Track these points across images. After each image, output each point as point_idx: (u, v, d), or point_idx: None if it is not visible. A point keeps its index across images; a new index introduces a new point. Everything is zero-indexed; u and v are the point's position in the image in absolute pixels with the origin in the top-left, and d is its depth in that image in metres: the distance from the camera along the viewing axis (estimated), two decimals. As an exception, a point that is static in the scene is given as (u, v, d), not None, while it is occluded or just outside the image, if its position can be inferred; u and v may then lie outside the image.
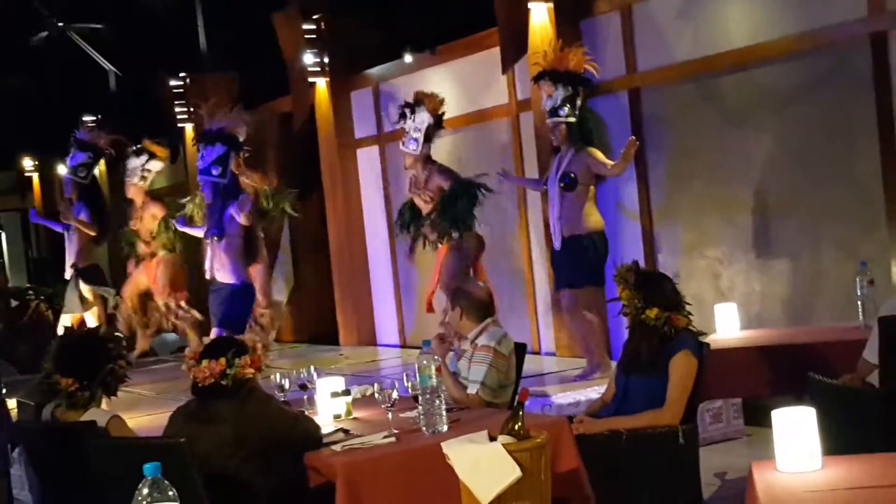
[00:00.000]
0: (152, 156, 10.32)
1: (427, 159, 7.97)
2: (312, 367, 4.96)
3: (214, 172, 8.48)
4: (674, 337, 4.60)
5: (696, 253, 7.74)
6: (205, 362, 3.97)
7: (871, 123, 6.61)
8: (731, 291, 7.43)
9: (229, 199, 8.47)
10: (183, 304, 10.32)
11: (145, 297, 10.54)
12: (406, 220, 8.16)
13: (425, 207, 7.96)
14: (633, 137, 7.10)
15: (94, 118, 13.96)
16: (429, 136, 7.95)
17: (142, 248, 10.42)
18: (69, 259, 10.38)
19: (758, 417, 6.37)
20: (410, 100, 8.09)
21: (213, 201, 8.59)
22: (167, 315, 10.39)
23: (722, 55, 7.39)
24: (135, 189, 10.37)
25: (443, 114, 8.06)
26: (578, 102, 7.31)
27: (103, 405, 4.48)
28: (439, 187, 7.82)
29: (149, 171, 10.34)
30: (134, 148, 10.46)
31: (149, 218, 10.32)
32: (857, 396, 4.46)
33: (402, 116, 8.03)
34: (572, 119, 7.28)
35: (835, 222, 6.90)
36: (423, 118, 7.86)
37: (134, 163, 10.34)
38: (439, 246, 7.94)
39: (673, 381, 4.54)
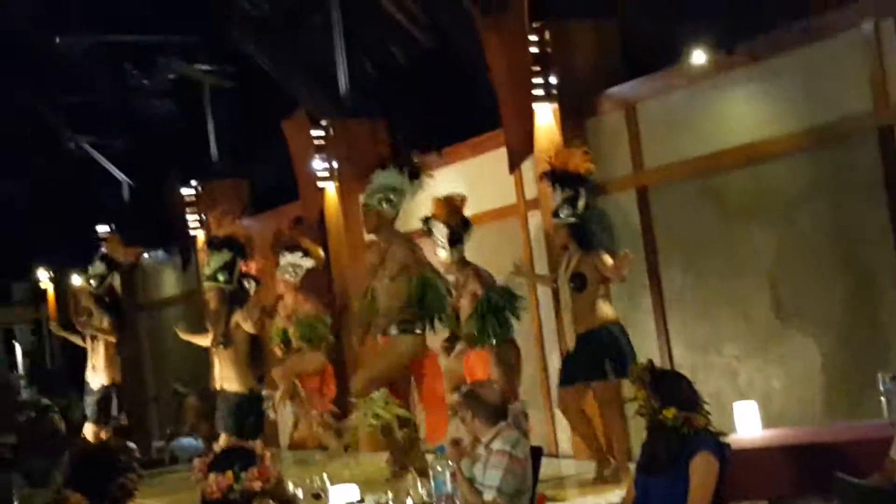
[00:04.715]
0: (306, 253, 10.20)
1: (462, 262, 7.85)
2: (325, 475, 4.89)
3: (221, 279, 8.47)
4: (693, 437, 4.52)
5: (713, 350, 7.67)
6: (212, 476, 3.91)
7: (882, 217, 6.58)
8: (750, 389, 7.32)
9: (235, 306, 8.43)
10: (326, 412, 10.10)
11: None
12: (453, 326, 7.98)
13: (466, 309, 7.80)
14: (627, 251, 7.06)
15: (109, 228, 14.09)
16: (457, 240, 7.84)
17: (293, 343, 10.12)
18: (94, 370, 10.35)
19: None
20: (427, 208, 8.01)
21: (220, 309, 8.54)
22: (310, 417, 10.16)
23: (728, 151, 7.41)
24: (285, 284, 10.19)
25: (462, 216, 7.93)
26: (580, 203, 7.25)
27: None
28: (473, 293, 7.69)
29: (300, 266, 10.20)
30: (287, 244, 10.22)
31: (303, 315, 10.11)
32: (885, 497, 4.36)
33: (425, 231, 7.95)
34: (573, 220, 7.22)
35: (849, 318, 6.83)
36: (440, 230, 7.79)
37: (287, 258, 10.21)
38: (471, 350, 7.78)
39: (694, 483, 4.44)
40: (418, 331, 7.23)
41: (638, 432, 6.54)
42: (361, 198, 7.51)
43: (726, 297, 7.56)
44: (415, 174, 7.32)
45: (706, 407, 4.67)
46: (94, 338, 10.37)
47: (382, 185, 7.25)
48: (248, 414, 8.47)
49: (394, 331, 7.21)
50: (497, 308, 7.49)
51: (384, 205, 7.22)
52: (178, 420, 13.11)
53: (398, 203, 7.27)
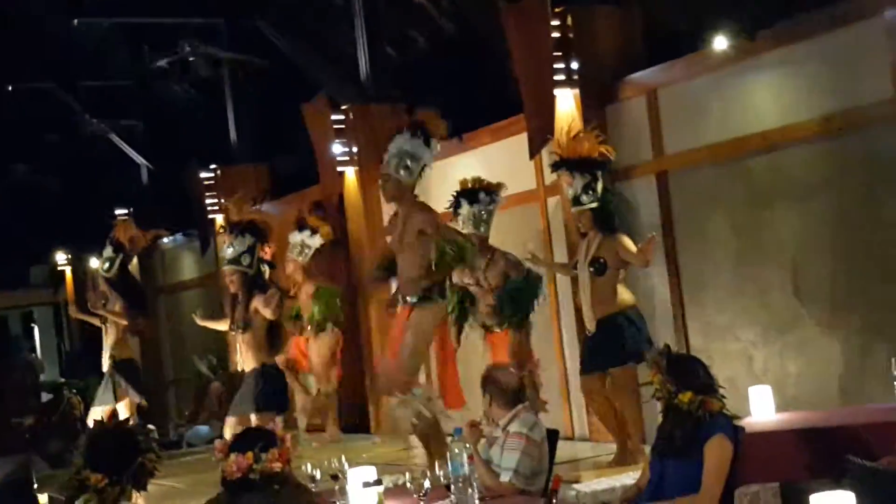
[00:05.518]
0: (314, 231, 10.26)
1: (486, 243, 7.89)
2: (343, 457, 4.92)
3: (244, 263, 8.51)
4: (708, 421, 4.54)
5: (730, 335, 7.68)
6: (232, 456, 3.95)
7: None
8: (765, 374, 7.35)
9: (255, 291, 8.48)
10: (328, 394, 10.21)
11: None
12: (458, 311, 7.97)
13: (481, 292, 7.83)
14: (653, 234, 7.09)
15: (126, 211, 14.16)
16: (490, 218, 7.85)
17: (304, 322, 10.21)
18: (106, 351, 10.40)
19: (796, 502, 6.25)
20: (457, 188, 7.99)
21: (240, 293, 8.59)
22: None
23: (749, 137, 7.41)
24: (294, 264, 10.26)
25: (488, 192, 7.93)
26: (598, 187, 7.28)
27: (140, 500, 4.43)
28: (504, 272, 7.68)
29: (309, 246, 10.28)
30: (297, 223, 10.32)
31: (305, 298, 10.21)
32: (896, 479, 4.38)
33: (462, 204, 7.84)
34: (595, 204, 7.25)
35: (867, 304, 6.84)
36: (486, 201, 7.77)
37: (295, 237, 10.24)
38: (494, 332, 7.79)
39: (708, 466, 4.47)
40: (439, 298, 7.18)
41: (653, 415, 6.57)
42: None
43: (744, 283, 7.57)
44: (428, 138, 7.26)
45: (721, 391, 4.69)
46: (107, 320, 10.41)
47: (398, 150, 7.21)
48: (271, 385, 8.51)
49: (413, 300, 7.13)
50: (528, 291, 7.51)
51: (401, 171, 7.17)
52: (200, 404, 13.17)
53: (415, 170, 7.20)
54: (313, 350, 10.18)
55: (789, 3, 7.11)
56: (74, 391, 13.18)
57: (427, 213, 7.18)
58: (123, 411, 9.83)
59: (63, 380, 14.78)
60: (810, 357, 7.19)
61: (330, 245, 10.63)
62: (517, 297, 7.57)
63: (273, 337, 8.66)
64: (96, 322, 10.66)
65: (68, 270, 16.97)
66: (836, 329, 7.03)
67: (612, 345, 7.17)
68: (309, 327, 10.07)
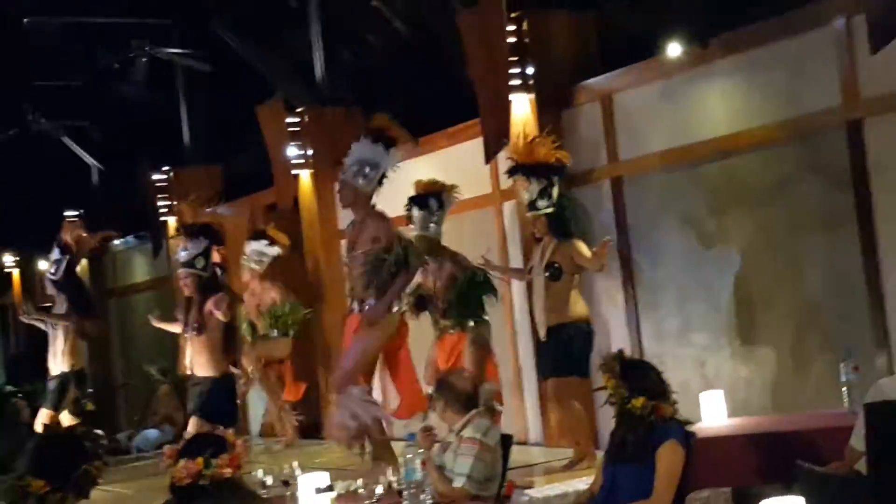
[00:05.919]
0: (272, 241, 10.19)
1: (437, 246, 7.85)
2: (296, 463, 4.89)
3: (198, 266, 8.46)
4: (660, 426, 4.56)
5: (682, 341, 7.72)
6: (182, 461, 3.88)
7: (850, 211, 6.65)
8: (717, 379, 7.39)
9: (209, 294, 8.42)
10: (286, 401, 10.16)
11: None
12: (414, 306, 7.94)
13: (442, 292, 7.79)
14: (608, 238, 7.11)
15: (76, 213, 13.98)
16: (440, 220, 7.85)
17: (260, 330, 10.16)
18: (54, 356, 10.26)
19: (748, 507, 6.30)
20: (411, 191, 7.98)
21: (194, 296, 8.53)
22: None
23: (703, 144, 7.46)
24: (250, 273, 10.19)
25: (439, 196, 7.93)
26: (554, 192, 7.29)
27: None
28: (451, 274, 7.68)
29: (266, 255, 10.19)
30: (254, 232, 10.27)
31: (269, 302, 10.12)
32: (844, 484, 4.43)
33: (406, 212, 7.88)
34: (550, 210, 7.26)
35: (817, 310, 6.92)
36: (434, 206, 7.77)
37: (252, 246, 10.18)
38: (448, 334, 7.77)
39: (660, 472, 4.49)
40: (394, 308, 7.16)
41: (606, 421, 6.59)
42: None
43: (697, 289, 7.62)
44: (389, 145, 7.25)
45: (674, 396, 4.71)
46: (54, 324, 10.28)
47: (357, 158, 7.19)
48: (222, 398, 8.45)
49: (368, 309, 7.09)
50: (476, 288, 7.51)
51: (359, 179, 7.16)
52: (149, 408, 13.02)
53: (373, 178, 7.19)
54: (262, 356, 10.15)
55: (742, 12, 7.18)
56: (20, 395, 12.98)
57: (382, 221, 7.16)
58: (68, 418, 9.73)
59: (10, 384, 14.51)
60: (762, 362, 7.24)
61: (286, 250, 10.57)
62: (465, 296, 7.57)
63: (229, 340, 8.62)
64: (42, 325, 10.53)
65: (16, 272, 16.72)
66: (787, 334, 7.10)
67: (559, 353, 7.18)
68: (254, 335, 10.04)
